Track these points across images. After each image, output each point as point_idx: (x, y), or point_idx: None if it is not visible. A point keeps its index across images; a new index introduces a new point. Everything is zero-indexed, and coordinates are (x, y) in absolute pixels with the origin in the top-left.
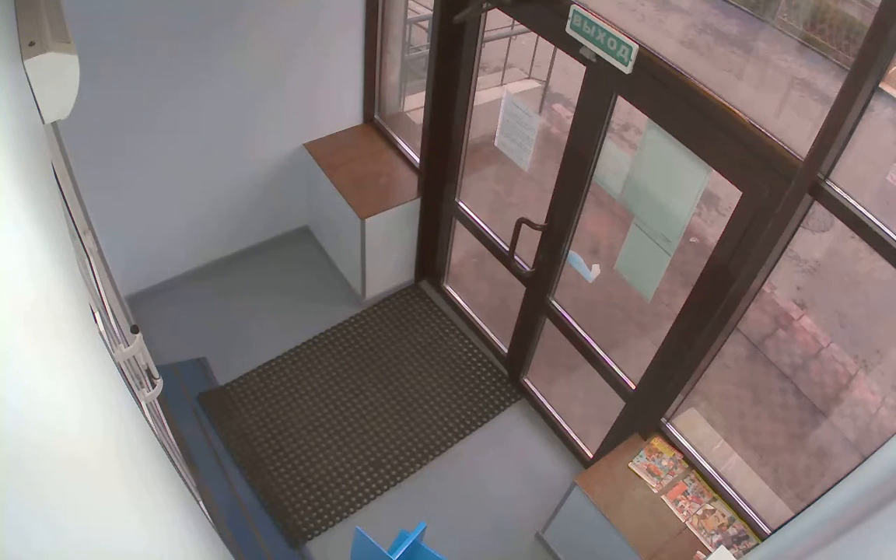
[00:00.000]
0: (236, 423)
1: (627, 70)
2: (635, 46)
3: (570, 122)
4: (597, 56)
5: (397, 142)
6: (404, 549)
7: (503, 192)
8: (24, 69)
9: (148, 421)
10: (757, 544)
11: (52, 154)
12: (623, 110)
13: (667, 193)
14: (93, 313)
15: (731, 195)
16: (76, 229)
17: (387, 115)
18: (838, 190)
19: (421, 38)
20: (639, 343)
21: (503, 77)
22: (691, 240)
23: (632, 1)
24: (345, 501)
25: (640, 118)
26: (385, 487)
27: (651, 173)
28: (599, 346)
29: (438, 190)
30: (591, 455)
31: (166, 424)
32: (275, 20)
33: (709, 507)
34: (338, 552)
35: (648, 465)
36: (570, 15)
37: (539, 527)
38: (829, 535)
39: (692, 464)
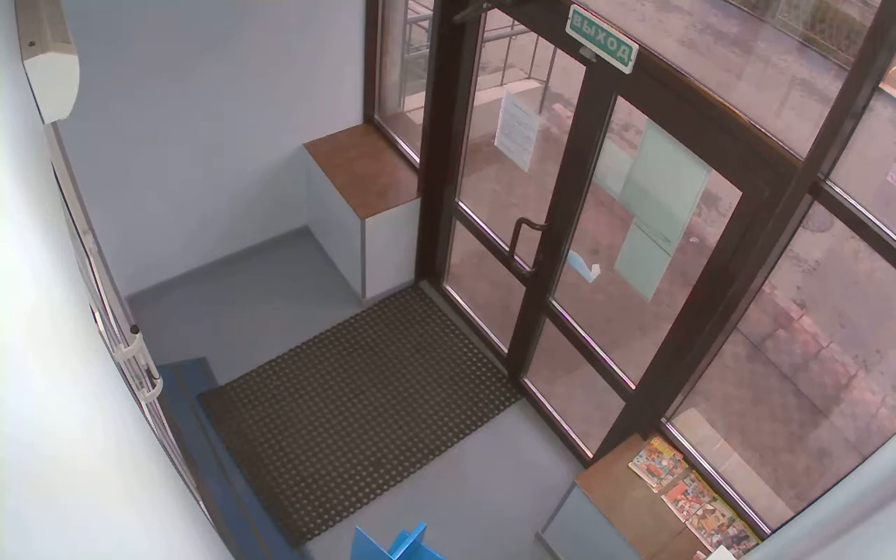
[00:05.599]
0: (236, 422)
1: (627, 70)
2: (635, 46)
3: (570, 122)
4: (597, 56)
5: (397, 142)
6: (404, 549)
7: (503, 192)
8: (24, 69)
9: (148, 421)
10: (757, 544)
11: (52, 154)
12: (623, 110)
13: (667, 193)
14: (93, 313)
15: (731, 195)
16: (76, 229)
17: (387, 115)
18: (838, 190)
19: (421, 38)
20: (639, 343)
21: (503, 77)
22: (691, 240)
23: (632, 1)
24: (345, 501)
25: (640, 118)
26: (385, 487)
27: (651, 173)
28: (599, 346)
29: (438, 190)
30: (591, 455)
31: (166, 424)
32: (275, 20)
33: (709, 507)
34: (338, 552)
35: (648, 465)
36: (570, 15)
37: (539, 527)
38: (829, 535)
39: (692, 464)
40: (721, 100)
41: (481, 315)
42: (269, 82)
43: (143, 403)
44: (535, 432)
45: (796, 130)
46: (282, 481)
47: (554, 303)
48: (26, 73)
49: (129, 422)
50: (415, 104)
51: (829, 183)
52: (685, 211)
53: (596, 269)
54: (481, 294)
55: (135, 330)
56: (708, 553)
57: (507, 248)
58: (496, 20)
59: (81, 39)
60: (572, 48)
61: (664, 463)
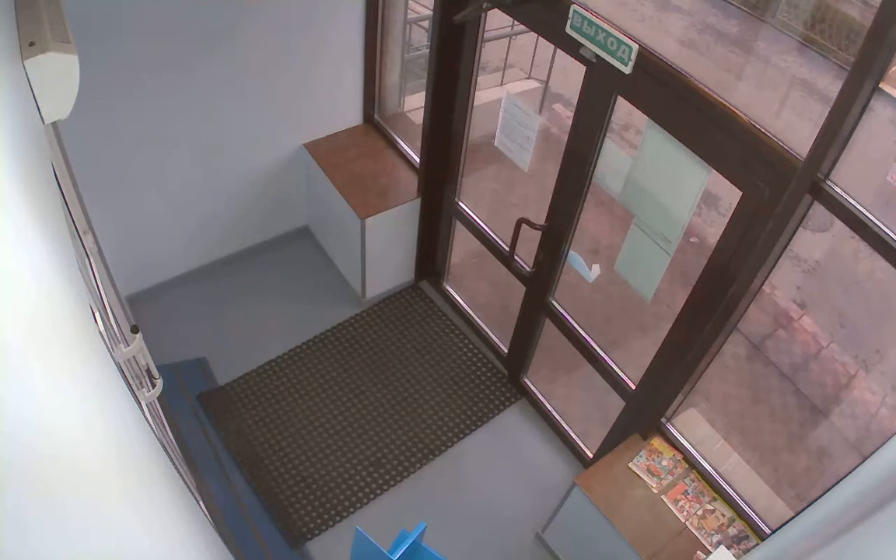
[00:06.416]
0: (236, 422)
1: (627, 70)
2: (635, 46)
3: (570, 122)
4: (597, 56)
5: (397, 142)
6: (404, 549)
7: (503, 192)
8: (24, 69)
9: (148, 421)
10: (757, 544)
11: (52, 154)
12: (623, 110)
13: (667, 193)
14: (93, 313)
15: (731, 195)
16: (76, 229)
17: (387, 115)
18: (838, 190)
19: (421, 38)
20: (639, 343)
21: (503, 77)
22: (691, 240)
23: (632, 1)
24: (345, 501)
25: (640, 118)
26: (385, 487)
27: (651, 173)
28: (599, 346)
29: (438, 190)
30: (591, 455)
31: (166, 424)
32: (275, 20)
33: (709, 507)
34: (338, 552)
35: (648, 465)
36: (570, 15)
37: (539, 527)
38: (829, 535)
39: (692, 464)
40: (721, 100)
41: (481, 315)
42: (268, 82)
43: (143, 403)
44: (535, 432)
45: (796, 130)
46: (282, 481)
47: (554, 303)
48: (26, 73)
49: (129, 422)
50: (415, 104)
51: (829, 183)
52: (685, 211)
53: (596, 269)
54: (481, 294)
55: (135, 330)
56: (708, 553)
57: (507, 248)
58: (496, 20)
59: (81, 39)
60: (572, 48)
61: (664, 463)
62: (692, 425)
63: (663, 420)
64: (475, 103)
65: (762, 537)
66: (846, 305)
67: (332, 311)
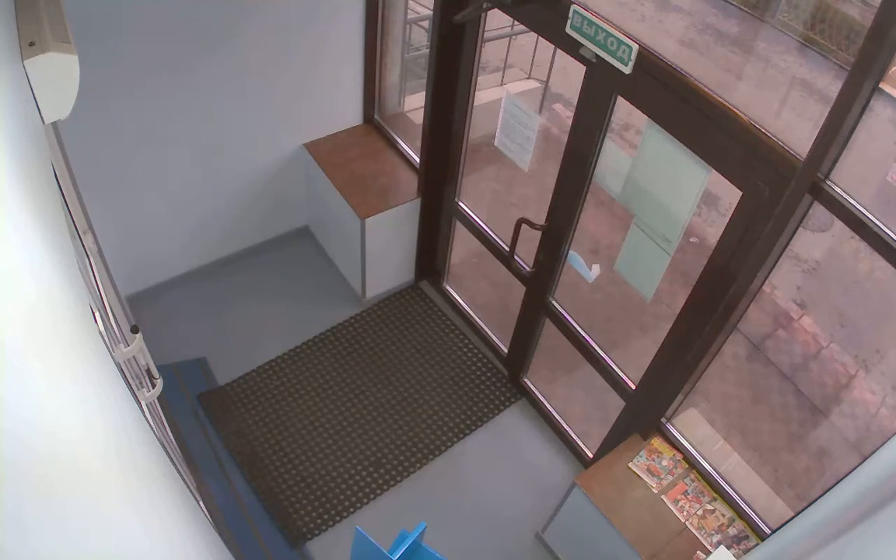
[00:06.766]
0: (236, 422)
1: (627, 70)
2: (635, 46)
3: (570, 122)
4: (597, 56)
5: (397, 142)
6: (404, 549)
7: (503, 192)
8: (24, 69)
9: (148, 421)
10: (757, 544)
11: (52, 154)
12: (623, 110)
13: (667, 193)
14: (93, 313)
15: (731, 195)
16: (76, 229)
17: (387, 115)
18: (838, 190)
19: (421, 38)
20: (639, 343)
21: (503, 77)
22: (691, 240)
23: (632, 1)
24: (345, 501)
25: (640, 118)
26: (385, 487)
27: (651, 173)
28: (599, 346)
29: (438, 190)
30: (591, 455)
31: (166, 424)
32: (275, 19)
33: (709, 507)
34: (338, 552)
35: (648, 465)
36: (570, 15)
37: (539, 527)
38: (829, 535)
39: (692, 464)
40: (721, 100)
41: (481, 315)
42: (268, 82)
43: (143, 403)
44: (535, 432)
45: (796, 130)
46: (282, 481)
47: (554, 303)
48: (26, 73)
49: (129, 422)
50: (415, 104)
51: (829, 183)
52: (685, 211)
53: (596, 269)
54: (481, 294)
55: (135, 330)
56: (708, 553)
57: (507, 248)
58: (496, 20)
59: (81, 39)
60: (572, 48)
61: (664, 463)
62: (692, 425)
63: (663, 420)
64: (475, 103)
65: (762, 537)
66: (846, 305)
67: (331, 311)
